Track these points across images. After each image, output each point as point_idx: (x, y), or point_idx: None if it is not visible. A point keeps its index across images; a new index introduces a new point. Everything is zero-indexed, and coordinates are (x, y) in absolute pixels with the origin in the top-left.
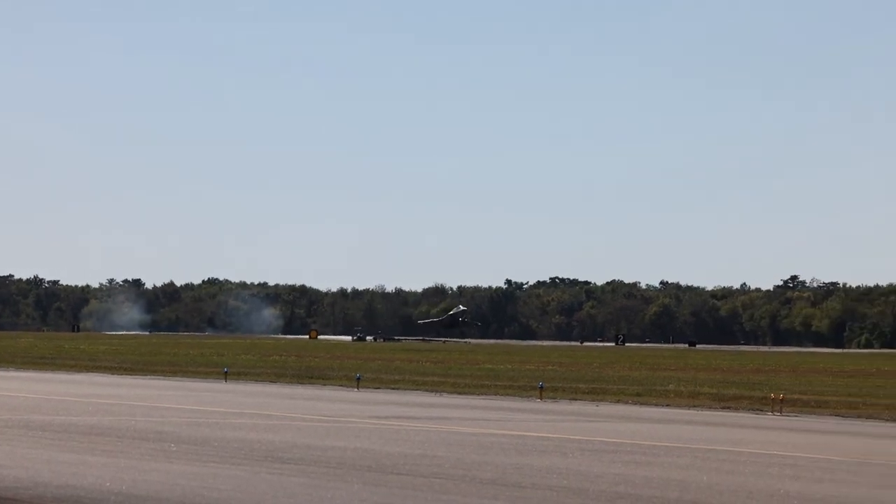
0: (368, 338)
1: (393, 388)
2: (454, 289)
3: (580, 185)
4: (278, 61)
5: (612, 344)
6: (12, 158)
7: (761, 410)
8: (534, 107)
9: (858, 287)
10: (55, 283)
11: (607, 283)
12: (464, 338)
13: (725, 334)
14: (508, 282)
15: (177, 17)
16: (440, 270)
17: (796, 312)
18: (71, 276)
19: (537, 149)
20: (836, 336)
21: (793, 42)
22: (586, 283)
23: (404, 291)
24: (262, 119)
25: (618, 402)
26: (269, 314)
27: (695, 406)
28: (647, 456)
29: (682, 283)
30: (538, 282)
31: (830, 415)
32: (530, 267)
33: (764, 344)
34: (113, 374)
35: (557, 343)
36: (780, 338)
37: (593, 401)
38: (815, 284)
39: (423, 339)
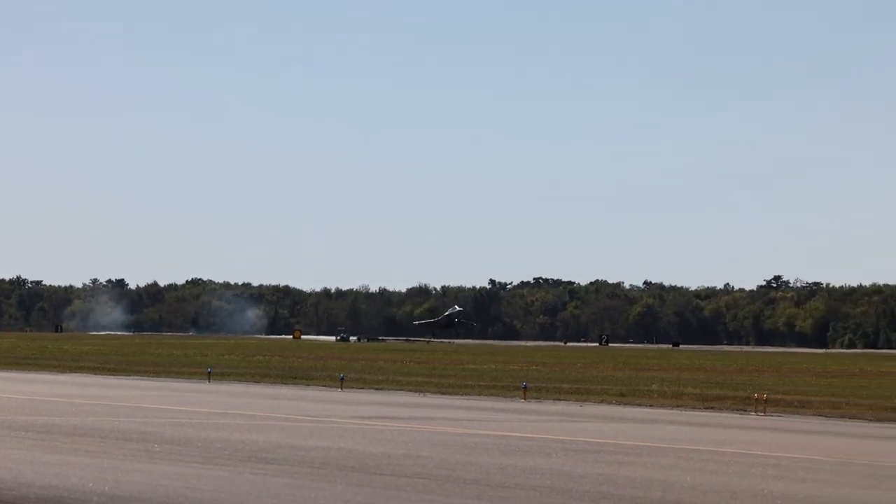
0: (352, 338)
1: (377, 389)
2: (438, 289)
3: (564, 185)
4: (260, 60)
5: (596, 344)
6: None
7: (745, 410)
8: (516, 107)
9: (842, 287)
10: (38, 283)
11: (591, 283)
12: (459, 338)
13: (709, 334)
14: (492, 282)
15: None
16: (424, 270)
17: (780, 313)
18: (54, 277)
19: (521, 149)
20: (819, 336)
21: (786, 44)
22: (570, 283)
23: (388, 291)
24: (244, 120)
25: (601, 402)
26: (253, 314)
27: (678, 406)
28: (631, 456)
29: (666, 283)
30: (522, 282)
31: (814, 415)
32: (514, 267)
33: (747, 344)
34: (96, 374)
35: (541, 343)
36: (764, 338)
37: (577, 401)
38: (798, 285)
39: (406, 340)
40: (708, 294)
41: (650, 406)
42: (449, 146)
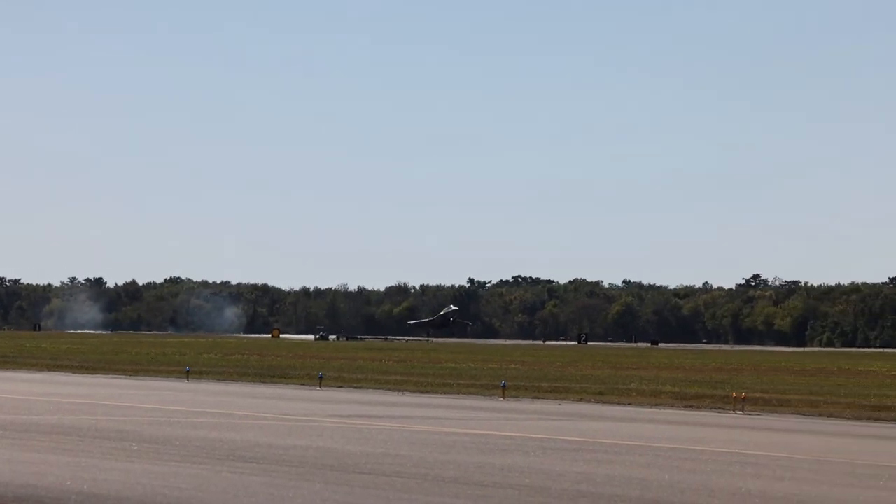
0: (331, 336)
1: (355, 387)
2: (417, 288)
3: (543, 184)
4: (238, 58)
5: (575, 343)
6: None
7: (723, 409)
8: (494, 108)
9: (820, 286)
10: (16, 281)
11: (570, 282)
12: (453, 337)
13: (688, 333)
14: (471, 281)
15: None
16: (403, 269)
17: (758, 311)
18: (32, 275)
19: (501, 149)
20: (797, 335)
21: (769, 44)
22: (549, 282)
23: (367, 290)
24: (224, 118)
25: (580, 400)
26: (232, 313)
27: (657, 405)
28: (609, 454)
29: (645, 282)
30: (501, 281)
31: (792, 413)
32: (493, 266)
33: (726, 343)
34: (74, 373)
35: (520, 342)
36: (742, 336)
37: (556, 400)
38: (776, 283)
39: (385, 339)
40: (687, 293)
41: (629, 405)
42: (428, 146)
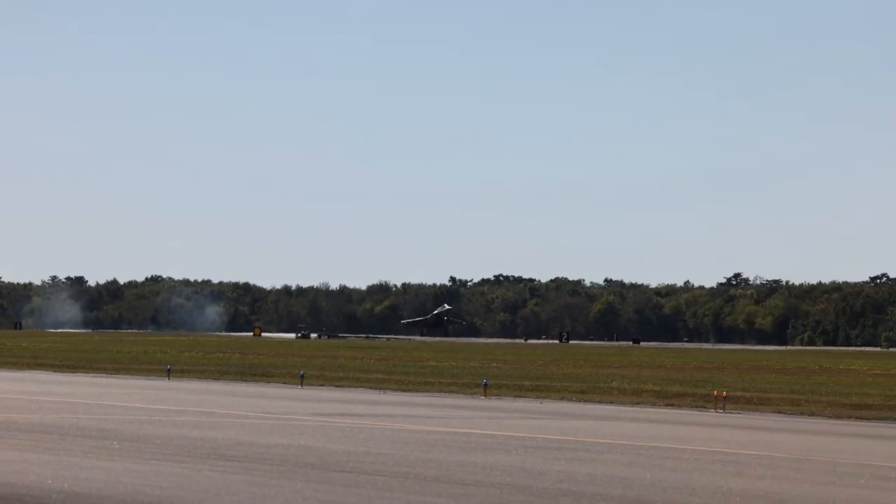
0: (313, 335)
1: (337, 386)
2: (398, 286)
3: (524, 182)
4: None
5: (557, 341)
6: None
7: (704, 408)
8: (476, 107)
9: (801, 285)
10: None
11: (551, 280)
12: (447, 336)
13: (669, 332)
14: (453, 279)
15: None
16: (384, 267)
17: (739, 310)
18: (13, 274)
19: (481, 147)
20: (779, 333)
21: (753, 45)
22: (531, 280)
23: (348, 289)
24: (203, 117)
25: (562, 399)
26: (213, 311)
27: (638, 403)
28: (591, 453)
29: (626, 280)
30: (482, 279)
31: (773, 412)
32: (474, 264)
33: (707, 341)
34: (55, 371)
35: (501, 340)
36: (724, 335)
37: (537, 398)
38: (758, 282)
39: (367, 337)
40: (668, 291)
41: (610, 403)
42: (409, 145)
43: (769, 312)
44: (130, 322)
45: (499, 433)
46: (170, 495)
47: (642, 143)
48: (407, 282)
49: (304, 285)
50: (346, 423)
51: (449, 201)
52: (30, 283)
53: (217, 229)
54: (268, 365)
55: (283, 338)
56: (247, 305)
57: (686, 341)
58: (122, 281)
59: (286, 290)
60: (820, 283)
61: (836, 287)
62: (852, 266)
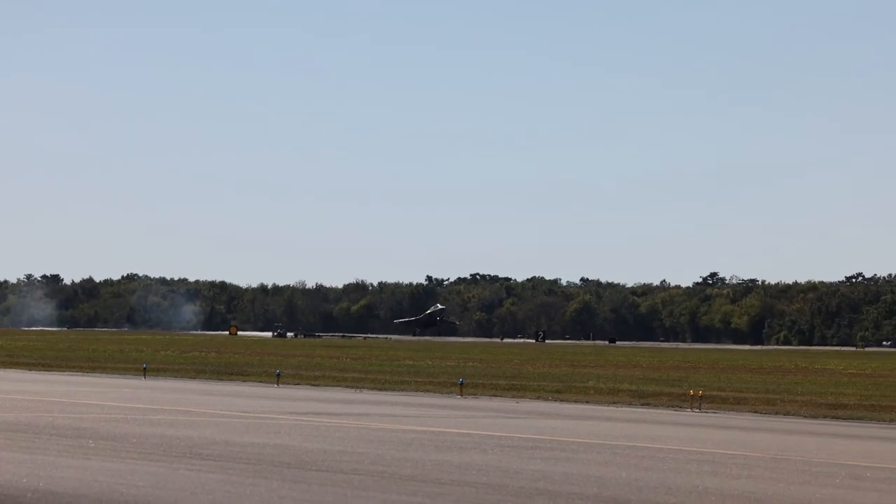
0: (289, 334)
1: (313, 385)
2: (375, 285)
3: (501, 182)
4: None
5: (533, 340)
6: None
7: (680, 407)
8: (455, 107)
9: (777, 284)
10: None
11: (528, 279)
12: (440, 335)
13: (645, 331)
14: (429, 278)
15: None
16: (361, 266)
17: (715, 309)
18: None
19: (459, 147)
20: (754, 333)
21: (731, 44)
22: (507, 279)
23: (325, 287)
24: (181, 117)
25: (538, 398)
26: (189, 310)
27: (614, 402)
28: (567, 452)
29: (603, 279)
30: (459, 278)
31: (749, 411)
32: (451, 263)
33: (684, 340)
34: (31, 370)
35: (478, 339)
36: (700, 335)
37: (513, 397)
38: (734, 282)
39: (343, 336)
40: (644, 291)
41: (586, 402)
42: (387, 144)
43: (745, 312)
44: (106, 320)
45: (475, 432)
46: (146, 494)
47: (619, 144)
48: (383, 281)
49: (281, 284)
50: (322, 422)
51: (425, 201)
52: (5, 282)
53: (193, 228)
54: (244, 364)
55: (259, 336)
56: (223, 304)
57: (662, 340)
58: (97, 279)
59: (262, 288)
60: (796, 283)
61: (811, 287)
62: (828, 266)
